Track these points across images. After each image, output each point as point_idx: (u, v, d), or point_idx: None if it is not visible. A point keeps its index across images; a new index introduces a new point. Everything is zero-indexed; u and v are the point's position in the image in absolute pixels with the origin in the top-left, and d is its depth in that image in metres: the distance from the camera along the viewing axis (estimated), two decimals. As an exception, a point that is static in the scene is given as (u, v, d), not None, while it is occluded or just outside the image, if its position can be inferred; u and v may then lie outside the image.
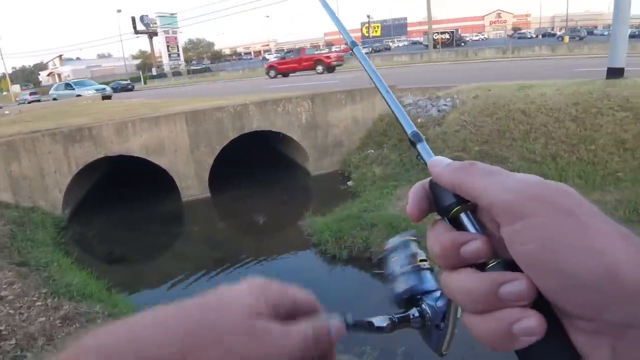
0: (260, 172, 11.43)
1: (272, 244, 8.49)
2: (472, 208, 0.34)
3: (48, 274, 6.42)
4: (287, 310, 0.35)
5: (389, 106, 0.44)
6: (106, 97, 23.33)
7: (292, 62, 23.50)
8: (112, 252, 8.97)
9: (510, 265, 0.31)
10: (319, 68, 22.35)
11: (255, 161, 11.56)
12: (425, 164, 0.38)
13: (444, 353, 0.42)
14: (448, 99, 10.63)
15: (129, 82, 39.17)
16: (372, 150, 10.48)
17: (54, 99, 26.22)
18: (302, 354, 0.32)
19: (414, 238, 0.45)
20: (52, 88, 29.21)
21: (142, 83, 42.15)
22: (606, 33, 51.74)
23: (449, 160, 0.36)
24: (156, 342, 0.30)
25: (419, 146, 0.40)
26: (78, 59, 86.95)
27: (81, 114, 13.51)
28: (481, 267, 0.32)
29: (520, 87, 10.42)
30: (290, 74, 23.74)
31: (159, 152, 10.22)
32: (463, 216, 0.34)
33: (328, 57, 22.96)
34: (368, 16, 26.32)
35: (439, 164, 0.36)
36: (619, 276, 0.26)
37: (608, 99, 8.67)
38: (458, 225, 0.34)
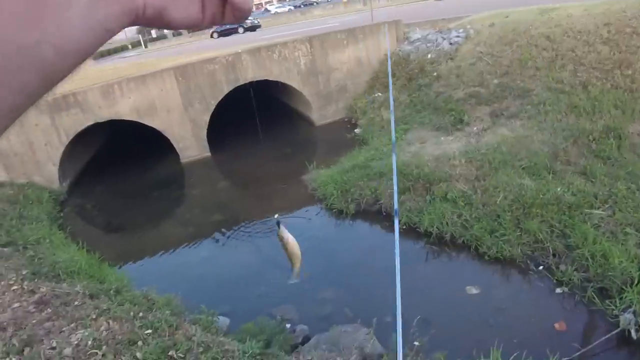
0: (262, 126, 10.67)
1: (276, 202, 7.87)
2: None
3: (33, 253, 5.95)
4: None
5: None
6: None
7: None
8: (110, 223, 8.52)
9: None
10: None
11: (255, 115, 10.78)
12: None
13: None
14: (460, 30, 9.58)
15: None
16: (380, 93, 9.59)
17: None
18: None
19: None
20: None
21: (143, 47, 40.85)
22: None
23: None
24: None
25: None
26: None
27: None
28: None
29: (542, 10, 9.28)
30: None
31: (151, 113, 9.53)
32: None
33: None
34: None
35: None
36: None
37: (645, 13, 7.58)
38: None
